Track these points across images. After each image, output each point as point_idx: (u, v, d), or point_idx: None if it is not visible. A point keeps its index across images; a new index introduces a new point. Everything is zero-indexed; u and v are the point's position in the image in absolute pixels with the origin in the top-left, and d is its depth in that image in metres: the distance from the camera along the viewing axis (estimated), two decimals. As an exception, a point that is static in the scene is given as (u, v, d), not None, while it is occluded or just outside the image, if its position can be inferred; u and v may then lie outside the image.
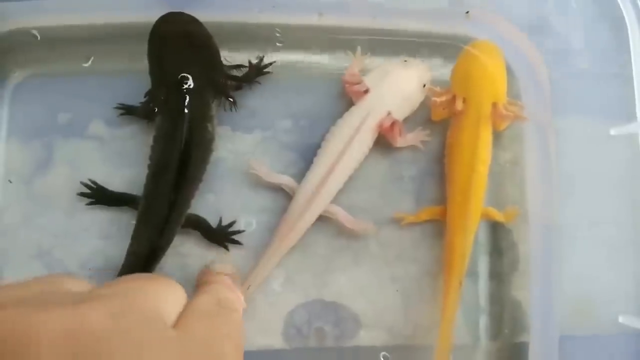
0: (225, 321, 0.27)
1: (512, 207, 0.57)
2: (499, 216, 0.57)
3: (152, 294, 0.24)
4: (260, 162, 0.57)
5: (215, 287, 0.32)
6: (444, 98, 0.55)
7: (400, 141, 0.57)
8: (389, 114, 0.56)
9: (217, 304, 0.28)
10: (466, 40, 0.59)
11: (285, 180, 0.56)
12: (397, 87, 0.57)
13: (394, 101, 0.56)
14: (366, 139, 0.56)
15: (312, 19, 0.58)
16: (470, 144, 0.53)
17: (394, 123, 0.56)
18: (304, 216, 0.54)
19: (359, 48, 0.59)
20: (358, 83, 0.57)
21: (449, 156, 0.56)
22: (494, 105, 0.54)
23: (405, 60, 0.58)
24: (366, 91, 0.56)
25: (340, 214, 0.55)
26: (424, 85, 0.57)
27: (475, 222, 0.54)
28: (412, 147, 0.59)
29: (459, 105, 0.54)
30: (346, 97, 0.58)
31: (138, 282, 0.25)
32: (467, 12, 0.60)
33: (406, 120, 0.58)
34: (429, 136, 0.59)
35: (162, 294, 0.25)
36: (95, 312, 0.21)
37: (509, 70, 0.60)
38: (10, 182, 0.57)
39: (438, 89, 0.56)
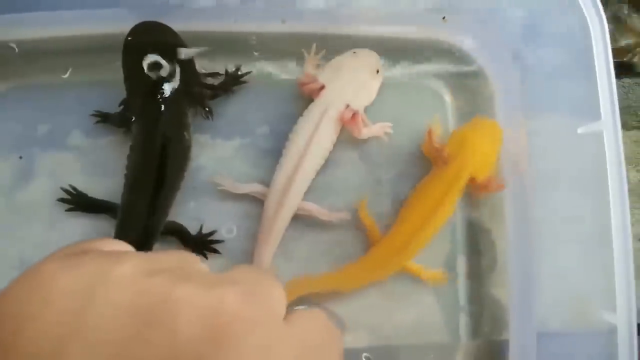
0: (332, 334, 0.27)
1: (442, 271, 0.58)
2: (424, 275, 0.57)
3: (272, 288, 0.25)
4: (224, 177, 0.57)
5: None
6: (435, 147, 0.55)
7: (365, 132, 0.58)
8: (347, 106, 0.57)
9: (325, 319, 0.28)
10: (443, 45, 0.61)
11: (254, 187, 0.56)
12: (350, 78, 0.58)
13: (350, 92, 0.57)
14: (328, 133, 0.56)
15: (279, 26, 0.60)
16: (436, 197, 0.54)
17: (354, 114, 0.57)
18: (278, 218, 0.54)
19: (313, 47, 0.60)
20: (313, 82, 0.58)
21: (418, 191, 0.56)
22: (473, 179, 0.54)
23: (354, 52, 0.59)
24: (322, 88, 0.57)
25: (314, 209, 0.56)
26: (377, 72, 0.59)
27: (402, 264, 0.55)
28: (377, 139, 0.60)
29: (444, 158, 0.54)
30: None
31: (258, 274, 0.26)
32: (444, 18, 0.61)
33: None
34: (392, 128, 0.60)
35: (276, 289, 0.25)
36: (232, 296, 0.22)
37: (483, 75, 0.62)
38: (21, 157, 0.58)
39: (437, 133, 0.56)
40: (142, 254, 0.24)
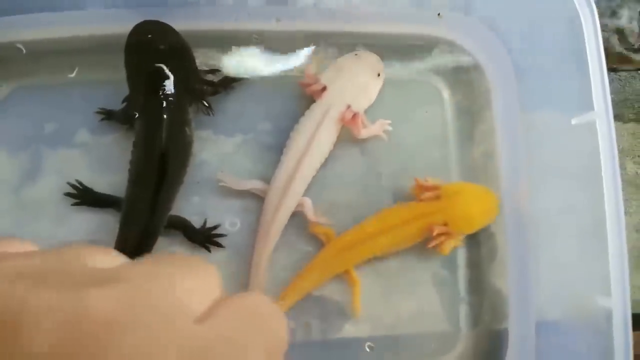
0: (262, 326, 0.23)
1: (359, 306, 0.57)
2: (355, 292, 0.57)
3: (178, 281, 0.21)
4: (225, 174, 0.58)
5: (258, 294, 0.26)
6: (430, 185, 0.57)
7: (364, 132, 0.59)
8: (348, 107, 0.58)
9: (258, 306, 0.24)
10: (440, 41, 0.62)
11: (255, 184, 0.57)
12: (351, 80, 0.59)
13: (351, 94, 0.58)
14: (329, 133, 0.57)
15: (279, 25, 0.61)
16: (401, 221, 0.55)
17: (355, 115, 0.58)
18: (277, 216, 0.55)
19: (312, 48, 0.61)
20: (314, 83, 0.59)
21: (390, 209, 0.57)
22: (437, 227, 0.54)
23: (356, 54, 0.60)
24: (324, 89, 0.58)
25: (310, 211, 0.57)
26: (378, 75, 0.60)
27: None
28: (377, 138, 0.61)
29: (437, 194, 0.56)
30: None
31: (166, 266, 0.22)
32: (439, 14, 0.62)
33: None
34: (391, 125, 0.61)
35: (190, 282, 0.21)
36: (101, 299, 0.19)
37: (480, 70, 0.63)
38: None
39: (430, 180, 0.58)
40: (19, 254, 0.21)
